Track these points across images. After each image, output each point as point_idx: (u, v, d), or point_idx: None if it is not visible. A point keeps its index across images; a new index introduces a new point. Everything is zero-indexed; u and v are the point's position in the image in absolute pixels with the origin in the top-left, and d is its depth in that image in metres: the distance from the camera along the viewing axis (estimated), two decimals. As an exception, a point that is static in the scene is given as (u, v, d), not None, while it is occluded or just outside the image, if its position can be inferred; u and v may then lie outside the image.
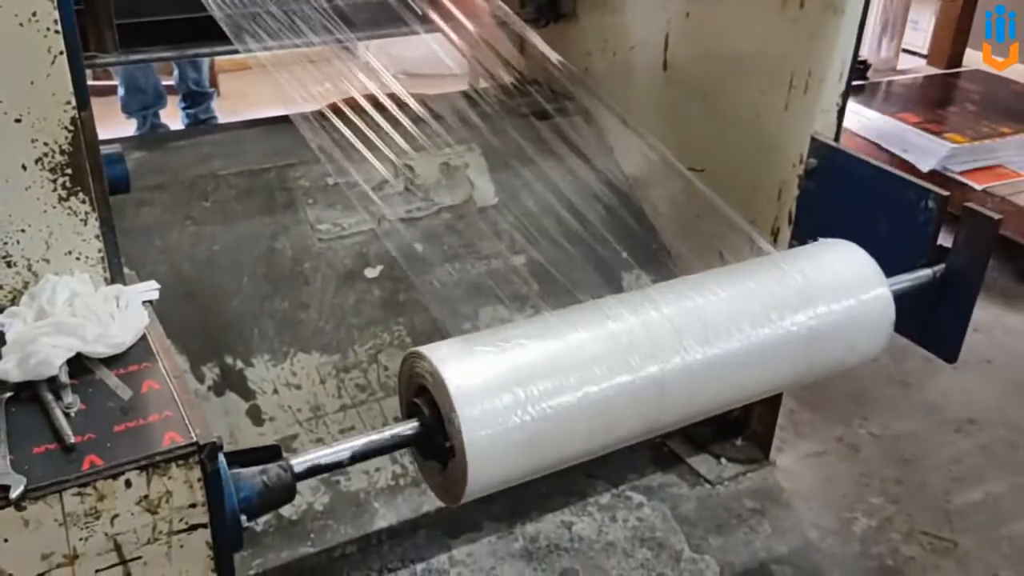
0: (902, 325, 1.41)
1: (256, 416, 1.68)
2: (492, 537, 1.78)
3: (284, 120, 1.76)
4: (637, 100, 2.06)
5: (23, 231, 1.06)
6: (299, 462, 1.06)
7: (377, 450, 1.12)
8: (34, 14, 0.99)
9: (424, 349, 1.13)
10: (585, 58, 2.19)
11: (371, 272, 1.87)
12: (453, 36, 2.07)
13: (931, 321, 1.52)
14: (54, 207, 1.07)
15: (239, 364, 1.70)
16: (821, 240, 1.44)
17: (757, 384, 1.29)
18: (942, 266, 1.49)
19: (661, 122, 2.00)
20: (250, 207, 1.82)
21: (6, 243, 1.06)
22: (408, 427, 1.13)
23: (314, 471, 1.08)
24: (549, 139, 2.19)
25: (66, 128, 1.04)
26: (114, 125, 3.32)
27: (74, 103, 1.03)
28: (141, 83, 3.41)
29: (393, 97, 1.99)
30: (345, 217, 1.88)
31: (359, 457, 1.10)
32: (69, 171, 1.06)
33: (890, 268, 1.41)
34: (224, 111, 3.73)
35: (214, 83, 3.97)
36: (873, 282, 1.36)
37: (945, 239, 1.49)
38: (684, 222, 2.02)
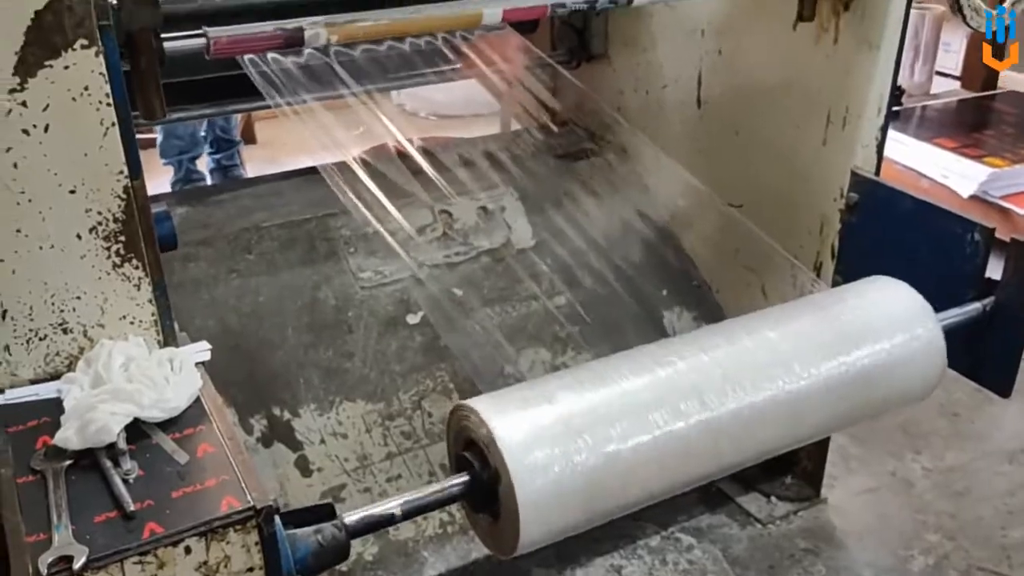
0: (952, 359, 1.39)
1: (304, 467, 1.69)
2: (542, 583, 1.76)
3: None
4: (672, 137, 2.07)
5: (79, 298, 1.09)
6: (353, 520, 1.06)
7: (429, 505, 1.12)
8: (86, 88, 1.01)
9: (472, 402, 1.14)
10: (618, 97, 2.20)
11: (413, 318, 1.88)
12: (486, 80, 2.10)
13: (982, 355, 1.50)
14: (108, 274, 1.09)
15: (286, 415, 1.71)
16: (868, 278, 1.43)
17: (811, 427, 1.28)
18: (991, 299, 1.47)
19: (697, 159, 2.00)
20: (292, 258, 1.85)
21: (63, 310, 1.08)
22: (458, 481, 1.13)
23: (367, 528, 1.08)
24: (584, 179, 2.20)
25: (119, 197, 1.06)
26: (153, 177, 3.39)
27: (126, 172, 1.06)
28: (179, 130, 3.50)
29: (427, 142, 2.01)
30: (386, 264, 1.90)
31: (411, 512, 1.11)
32: (122, 238, 1.08)
33: (938, 301, 1.39)
34: (263, 160, 3.79)
35: (251, 132, 4.04)
36: (923, 320, 1.34)
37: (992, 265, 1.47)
38: (724, 258, 2.01)
